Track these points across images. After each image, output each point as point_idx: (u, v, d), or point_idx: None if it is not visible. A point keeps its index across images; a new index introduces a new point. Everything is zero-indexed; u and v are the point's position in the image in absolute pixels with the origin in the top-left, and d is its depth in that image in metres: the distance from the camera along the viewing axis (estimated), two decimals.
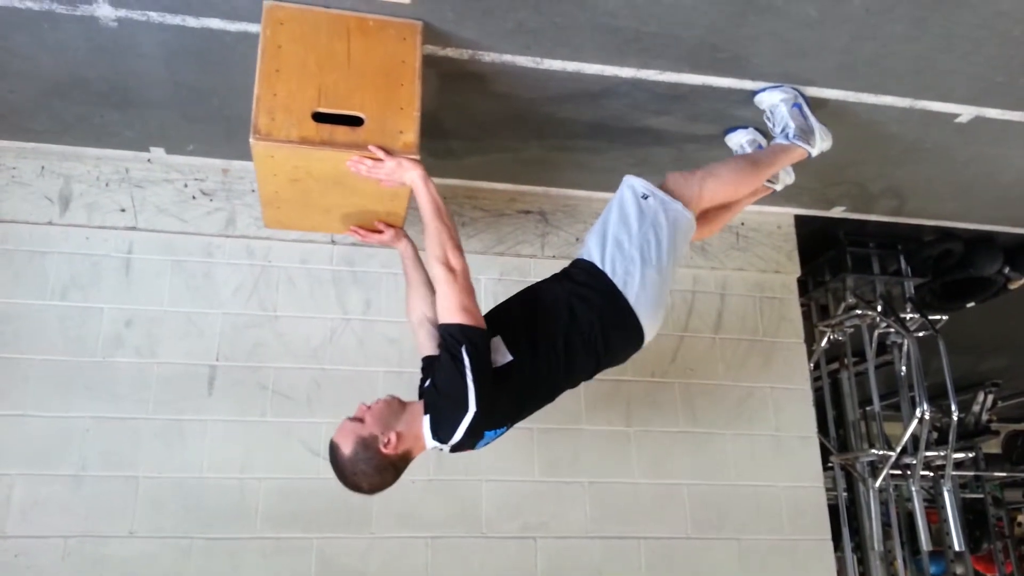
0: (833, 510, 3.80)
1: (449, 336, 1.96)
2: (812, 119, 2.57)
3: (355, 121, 2.20)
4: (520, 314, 2.15)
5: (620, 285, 2.15)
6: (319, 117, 2.17)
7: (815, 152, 2.59)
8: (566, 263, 3.32)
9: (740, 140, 2.78)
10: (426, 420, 1.99)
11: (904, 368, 4.12)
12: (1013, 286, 4.18)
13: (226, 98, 2.58)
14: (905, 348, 4.08)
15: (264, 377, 2.86)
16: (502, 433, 2.10)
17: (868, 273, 4.02)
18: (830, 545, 3.17)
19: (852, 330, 4.22)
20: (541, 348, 2.07)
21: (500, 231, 3.23)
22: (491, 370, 1.96)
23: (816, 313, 4.36)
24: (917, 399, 3.88)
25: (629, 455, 3.08)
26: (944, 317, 4.29)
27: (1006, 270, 4.00)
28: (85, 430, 2.70)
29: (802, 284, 3.69)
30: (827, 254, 4.04)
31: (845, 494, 4.43)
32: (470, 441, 2.01)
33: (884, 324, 4.00)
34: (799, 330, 3.43)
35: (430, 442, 2.00)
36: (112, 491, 2.66)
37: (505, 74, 2.45)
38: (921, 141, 2.91)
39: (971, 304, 4.34)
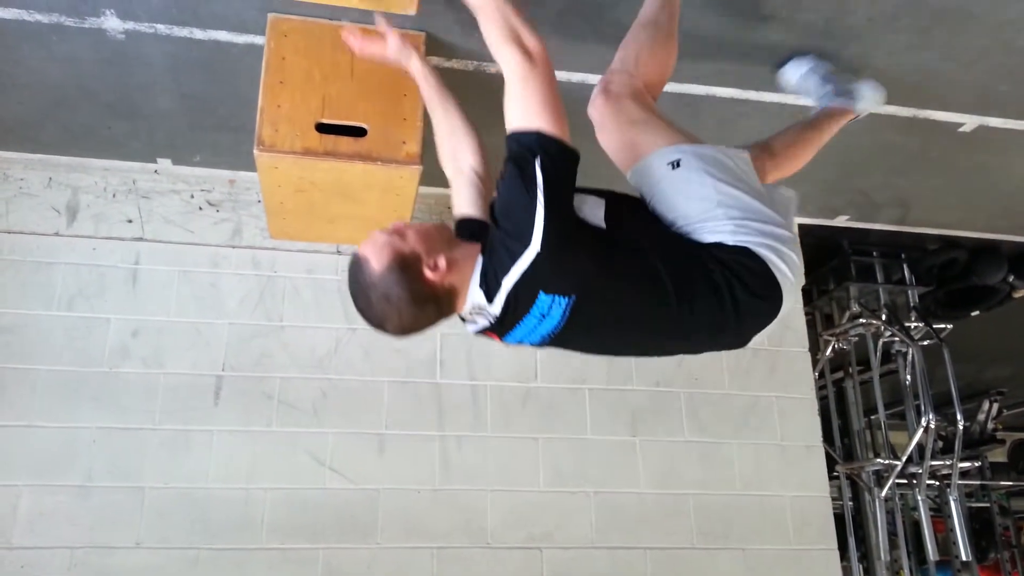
0: (839, 520, 3.79)
1: (519, 145, 1.43)
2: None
3: (358, 132, 2.22)
4: (643, 211, 1.67)
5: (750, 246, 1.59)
6: (322, 128, 2.19)
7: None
8: None
9: (797, 74, 2.34)
10: (480, 261, 1.48)
11: (909, 377, 4.11)
12: (1017, 295, 4.18)
13: (232, 109, 2.59)
14: (910, 357, 4.08)
15: (270, 387, 2.87)
16: (561, 315, 1.47)
17: (872, 282, 4.03)
18: (836, 555, 3.16)
19: (856, 339, 4.22)
20: (653, 256, 1.53)
21: None
22: (571, 206, 1.47)
23: (820, 322, 4.36)
24: (922, 408, 3.87)
25: (634, 464, 3.07)
26: (949, 326, 4.29)
27: (1010, 279, 4.00)
28: (91, 441, 2.70)
29: (806, 293, 3.70)
30: (831, 263, 4.04)
31: (851, 503, 4.42)
32: (519, 306, 1.46)
33: (888, 333, 4.00)
34: (804, 339, 3.42)
35: (474, 291, 1.48)
36: (118, 502, 2.67)
37: None
38: (925, 150, 2.92)
39: (976, 313, 4.34)
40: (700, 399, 3.21)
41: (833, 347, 4.26)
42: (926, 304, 4.26)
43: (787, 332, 3.41)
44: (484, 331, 1.56)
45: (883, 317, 3.96)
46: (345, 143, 2.20)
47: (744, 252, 1.56)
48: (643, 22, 1.87)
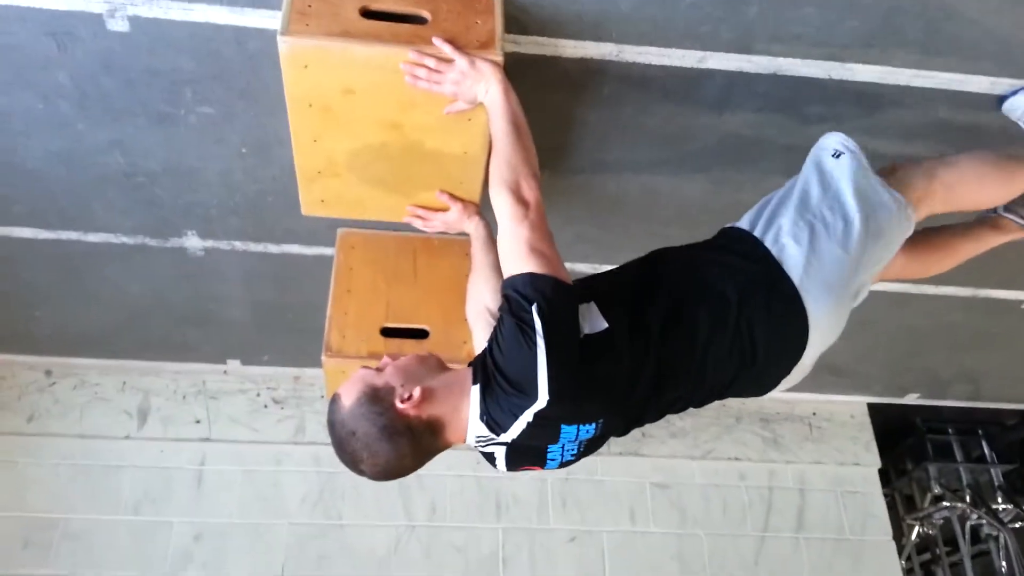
0: None
1: (514, 292, 1.35)
2: None
3: (421, 334, 2.28)
4: (622, 277, 1.56)
5: (775, 252, 1.51)
6: (387, 332, 2.25)
7: None
8: (633, 459, 3.33)
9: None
10: (475, 391, 1.37)
11: (1004, 563, 3.82)
12: None
13: (300, 312, 2.70)
14: (1001, 540, 3.81)
15: None
16: (589, 437, 1.42)
17: (951, 460, 3.85)
18: None
19: (942, 521, 3.97)
20: (646, 318, 1.44)
21: None
22: (576, 340, 1.36)
23: (902, 504, 4.13)
24: None
25: None
26: None
27: None
28: None
29: (883, 474, 3.54)
30: (906, 442, 3.89)
31: None
32: (538, 440, 1.38)
33: (976, 516, 3.77)
34: (887, 526, 3.25)
35: (475, 424, 1.38)
36: None
37: None
38: (988, 327, 2.87)
39: None
40: None
41: (918, 532, 4.01)
42: (1012, 482, 4.03)
43: (868, 519, 3.25)
44: (521, 466, 1.46)
45: (967, 499, 3.75)
46: (409, 345, 2.25)
47: (787, 288, 1.49)
48: (1000, 154, 1.77)
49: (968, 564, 3.89)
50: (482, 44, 1.55)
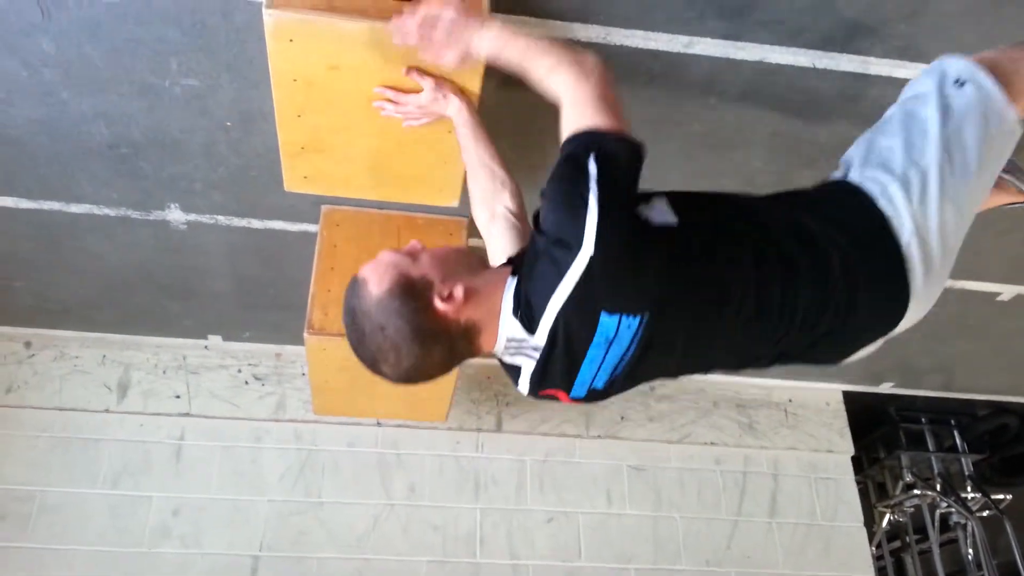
0: None
1: (571, 145, 1.19)
2: None
3: None
4: (706, 198, 1.34)
5: (883, 207, 1.30)
6: None
7: None
8: (611, 442, 3.37)
9: None
10: (511, 282, 1.21)
11: (971, 550, 3.90)
12: None
13: (283, 288, 2.70)
14: (969, 529, 3.88)
15: (307, 568, 2.81)
16: (631, 338, 1.16)
17: (923, 449, 3.92)
18: None
19: (912, 509, 4.05)
20: (726, 237, 1.24)
21: (543, 410, 3.23)
22: (633, 206, 1.19)
23: (874, 492, 4.21)
24: None
25: None
26: (1008, 496, 4.11)
27: None
28: None
29: (856, 461, 3.60)
30: (879, 430, 3.95)
31: None
32: (576, 335, 1.16)
33: (945, 504, 3.84)
34: (858, 513, 3.30)
35: (507, 323, 1.19)
36: None
37: None
38: (964, 318, 2.91)
39: None
40: None
41: (889, 519, 4.08)
42: (981, 471, 4.11)
43: (840, 505, 3.30)
44: (544, 390, 1.27)
45: (938, 487, 3.82)
46: None
47: (888, 247, 1.29)
48: None
49: (937, 552, 3.97)
50: None
